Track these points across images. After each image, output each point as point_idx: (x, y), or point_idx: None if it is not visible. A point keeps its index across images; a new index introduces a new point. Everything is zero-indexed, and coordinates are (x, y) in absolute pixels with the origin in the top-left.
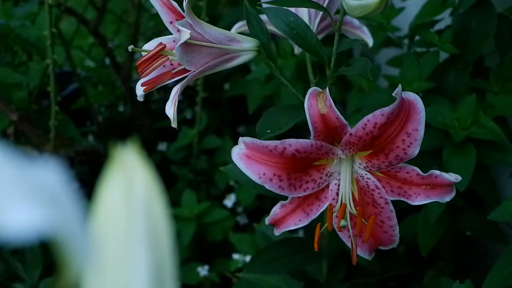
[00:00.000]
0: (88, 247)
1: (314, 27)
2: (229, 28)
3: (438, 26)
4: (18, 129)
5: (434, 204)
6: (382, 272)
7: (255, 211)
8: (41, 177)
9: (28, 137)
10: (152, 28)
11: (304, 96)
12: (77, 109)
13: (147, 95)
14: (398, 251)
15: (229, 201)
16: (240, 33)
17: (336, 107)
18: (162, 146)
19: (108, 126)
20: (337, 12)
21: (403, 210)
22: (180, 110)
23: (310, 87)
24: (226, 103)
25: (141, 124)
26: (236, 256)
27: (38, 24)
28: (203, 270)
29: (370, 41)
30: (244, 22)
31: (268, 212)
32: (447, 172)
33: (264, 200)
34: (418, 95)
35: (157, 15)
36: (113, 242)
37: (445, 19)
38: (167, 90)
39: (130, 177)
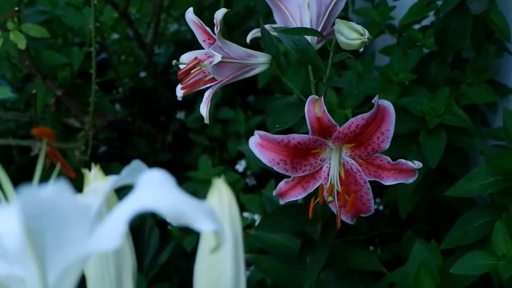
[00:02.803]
0: (202, 220)
1: (315, 40)
2: (238, 17)
3: (424, 22)
4: (61, 102)
5: None
6: (369, 231)
7: (263, 174)
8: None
9: (68, 109)
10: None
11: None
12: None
13: (167, 68)
14: (383, 214)
15: (240, 166)
16: (254, 38)
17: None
18: (180, 115)
19: (132, 95)
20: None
21: None
22: None
23: (310, 79)
24: None
25: (162, 94)
26: (245, 214)
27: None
28: None
29: None
30: (258, 29)
31: (273, 176)
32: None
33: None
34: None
35: None
36: None
37: (430, 16)
38: None
39: (221, 192)
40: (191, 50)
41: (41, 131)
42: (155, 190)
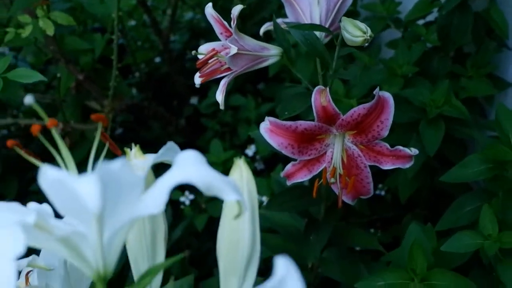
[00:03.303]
0: (228, 191)
1: (323, 34)
2: (251, 8)
3: (429, 18)
4: (82, 86)
5: (411, 165)
6: (371, 215)
7: (271, 159)
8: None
9: (89, 92)
10: None
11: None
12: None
13: (182, 55)
14: (384, 199)
15: (250, 151)
16: (267, 31)
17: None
18: (194, 100)
19: (147, 80)
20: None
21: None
22: None
23: (317, 70)
24: None
25: (176, 80)
26: None
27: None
28: None
29: None
30: (271, 23)
31: (281, 161)
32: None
33: (279, 152)
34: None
35: None
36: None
37: (434, 12)
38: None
39: (241, 170)
40: (205, 38)
41: (97, 117)
42: (191, 166)
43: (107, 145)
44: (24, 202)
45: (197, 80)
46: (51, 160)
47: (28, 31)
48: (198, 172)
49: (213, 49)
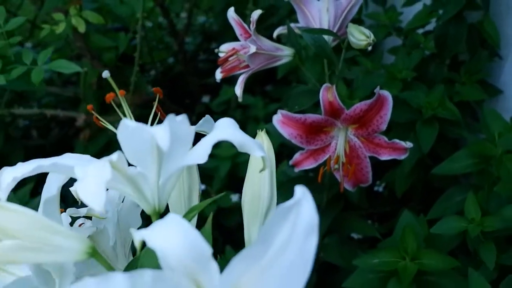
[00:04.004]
0: (256, 149)
1: (331, 38)
2: (262, 13)
3: (427, 27)
4: (104, 81)
5: (407, 161)
6: (369, 208)
7: (277, 155)
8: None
9: (109, 87)
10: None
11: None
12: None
13: (194, 56)
14: (382, 194)
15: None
16: (280, 34)
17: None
18: (205, 99)
19: (161, 79)
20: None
21: (387, 166)
22: None
23: (324, 71)
24: None
25: (189, 79)
26: None
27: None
28: (234, 197)
29: None
30: (285, 27)
31: (286, 158)
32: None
33: (283, 150)
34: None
35: None
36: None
37: (432, 22)
38: (211, 52)
39: (263, 138)
40: (217, 41)
41: (156, 90)
42: (229, 129)
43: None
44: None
45: (218, 75)
46: (70, 149)
47: (62, 28)
48: (234, 133)
49: (233, 48)
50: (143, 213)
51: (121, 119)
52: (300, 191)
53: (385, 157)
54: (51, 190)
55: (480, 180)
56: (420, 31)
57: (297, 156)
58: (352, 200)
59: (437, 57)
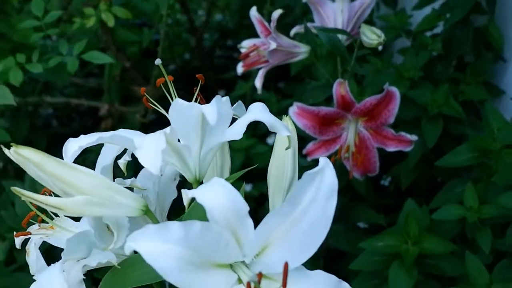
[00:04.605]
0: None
1: (344, 38)
2: None
3: (435, 30)
4: (127, 73)
5: (412, 156)
6: (375, 199)
7: None
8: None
9: (131, 79)
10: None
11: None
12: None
13: (211, 52)
14: (388, 189)
15: (271, 139)
16: (297, 33)
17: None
18: (221, 93)
19: (179, 73)
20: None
21: (393, 160)
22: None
23: (337, 67)
24: None
25: (206, 74)
26: None
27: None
28: (247, 187)
29: None
30: (301, 26)
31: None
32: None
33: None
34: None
35: None
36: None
37: (440, 25)
38: (228, 48)
39: (289, 123)
40: (232, 38)
41: (200, 76)
42: (261, 112)
43: None
44: None
45: (240, 69)
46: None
47: (92, 22)
48: (265, 115)
49: (254, 45)
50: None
51: (142, 109)
52: (323, 160)
53: (392, 148)
54: (106, 160)
55: (479, 173)
56: (428, 33)
57: (309, 145)
58: (360, 192)
59: (443, 58)
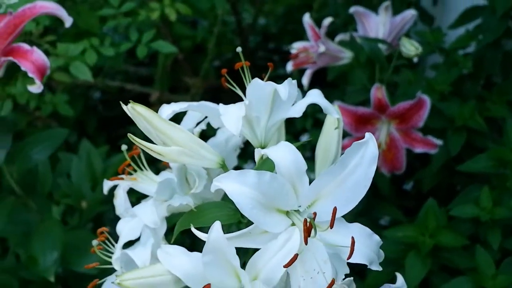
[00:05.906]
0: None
1: (384, 48)
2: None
3: (468, 49)
4: (178, 64)
5: (436, 162)
6: (397, 201)
7: None
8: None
9: (183, 70)
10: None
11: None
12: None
13: (254, 53)
14: (410, 193)
15: (304, 137)
16: (341, 40)
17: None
18: None
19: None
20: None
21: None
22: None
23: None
24: None
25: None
26: None
27: None
28: None
29: None
30: (345, 34)
31: None
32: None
33: None
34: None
35: None
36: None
37: (472, 46)
38: (269, 50)
39: (338, 109)
40: (274, 41)
41: (270, 65)
42: (317, 96)
43: None
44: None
45: (289, 67)
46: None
47: (156, 15)
48: (321, 99)
49: (304, 47)
50: None
51: (189, 98)
52: (368, 135)
53: (419, 149)
54: (188, 125)
55: (496, 181)
56: (460, 52)
57: (345, 140)
58: (383, 193)
59: (473, 76)
